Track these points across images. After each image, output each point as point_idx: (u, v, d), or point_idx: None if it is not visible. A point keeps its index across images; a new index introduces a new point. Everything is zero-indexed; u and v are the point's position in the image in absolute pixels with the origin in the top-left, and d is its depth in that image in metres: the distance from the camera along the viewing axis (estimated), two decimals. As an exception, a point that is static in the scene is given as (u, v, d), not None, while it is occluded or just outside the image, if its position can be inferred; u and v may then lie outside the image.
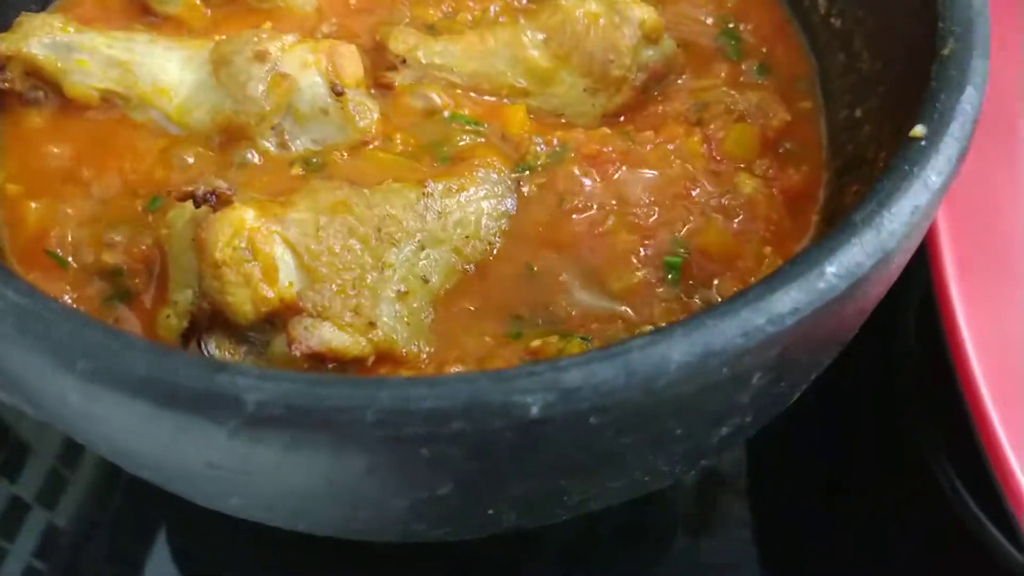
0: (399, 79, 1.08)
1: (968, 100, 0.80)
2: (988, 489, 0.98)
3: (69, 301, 0.91)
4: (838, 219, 0.96)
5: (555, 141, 1.03)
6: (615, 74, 1.06)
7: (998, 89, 1.16)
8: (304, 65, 1.00)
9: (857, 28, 1.09)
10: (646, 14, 1.08)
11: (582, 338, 0.86)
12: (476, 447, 0.61)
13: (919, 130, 0.78)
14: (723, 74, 1.14)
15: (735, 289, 0.91)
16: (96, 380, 0.60)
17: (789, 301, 0.65)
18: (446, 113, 1.07)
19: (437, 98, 1.07)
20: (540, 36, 1.08)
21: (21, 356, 0.62)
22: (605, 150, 1.02)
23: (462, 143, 1.04)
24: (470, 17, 1.17)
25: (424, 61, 1.09)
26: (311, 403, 0.59)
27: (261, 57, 0.99)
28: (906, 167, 0.75)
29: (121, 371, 0.60)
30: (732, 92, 1.10)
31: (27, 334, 0.62)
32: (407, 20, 1.14)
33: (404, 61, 1.09)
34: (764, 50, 1.16)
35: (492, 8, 1.18)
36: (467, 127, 1.05)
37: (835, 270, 0.68)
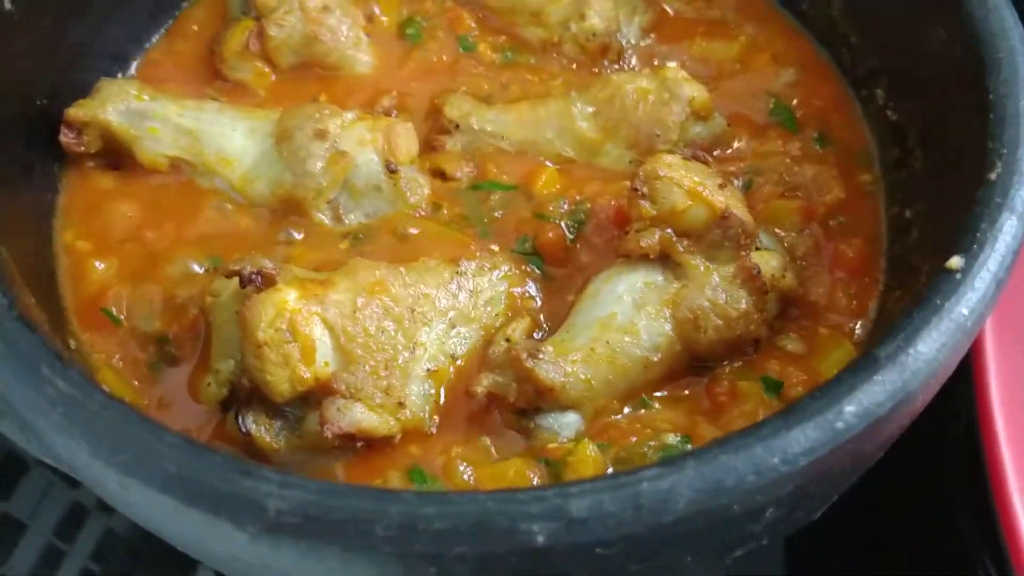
0: (450, 143, 1.12)
1: (1009, 231, 0.79)
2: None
3: (118, 360, 0.96)
4: (883, 323, 0.97)
5: (578, 197, 1.06)
6: (660, 148, 1.07)
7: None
8: (361, 143, 1.03)
9: (912, 125, 1.08)
10: (696, 91, 1.09)
11: (598, 444, 0.87)
12: (480, 569, 0.62)
13: (955, 262, 0.77)
14: (781, 143, 1.14)
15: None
16: (129, 473, 0.64)
17: (804, 440, 0.66)
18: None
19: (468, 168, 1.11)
20: (590, 109, 1.11)
21: (66, 442, 0.66)
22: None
23: (497, 213, 1.07)
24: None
25: (476, 127, 1.12)
26: (324, 513, 0.61)
27: (321, 135, 1.02)
28: (937, 301, 0.74)
29: (152, 467, 0.63)
30: (788, 161, 1.11)
31: (72, 424, 0.66)
32: (464, 88, 1.17)
33: (457, 126, 1.12)
34: (821, 123, 1.16)
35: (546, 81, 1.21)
36: (498, 192, 1.08)
37: (854, 409, 0.68)
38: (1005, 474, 0.96)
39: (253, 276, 0.87)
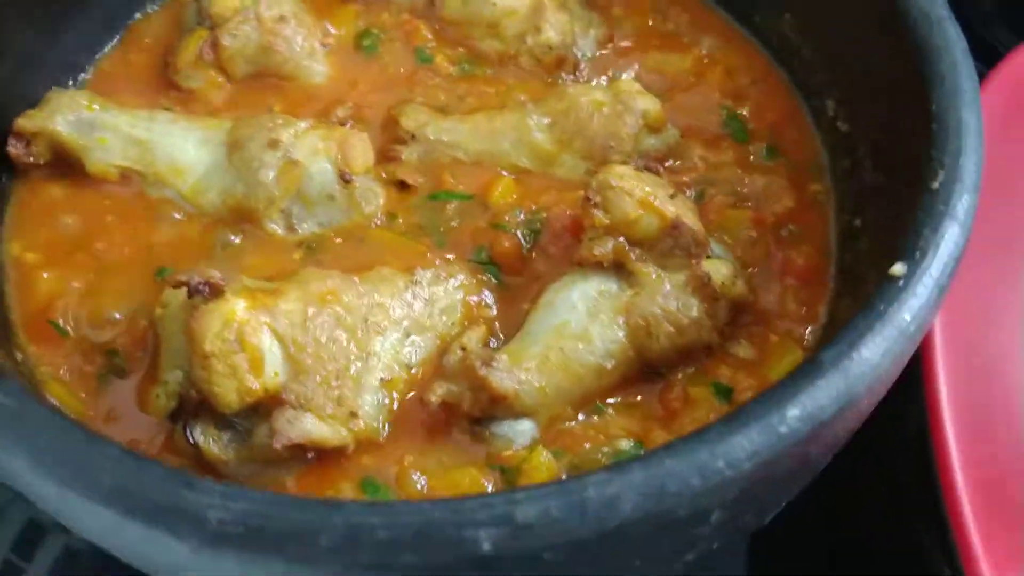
0: (406, 153, 1.12)
1: (951, 238, 0.80)
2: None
3: (65, 372, 0.95)
4: (832, 329, 0.98)
5: (533, 207, 1.06)
6: (614, 159, 1.08)
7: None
8: (315, 152, 1.03)
9: (862, 137, 1.10)
10: (649, 104, 1.11)
11: (552, 451, 0.87)
12: (427, 577, 0.62)
13: (898, 268, 0.78)
14: (733, 154, 1.15)
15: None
16: (70, 486, 0.62)
17: (748, 444, 0.66)
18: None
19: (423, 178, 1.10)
20: (545, 120, 1.11)
21: (6, 457, 0.65)
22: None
23: (453, 223, 1.07)
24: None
25: (432, 138, 1.12)
26: (267, 524, 0.61)
27: (273, 145, 1.02)
28: (881, 307, 0.75)
29: (91, 479, 0.62)
30: (739, 171, 1.12)
31: (11, 437, 0.64)
32: (420, 100, 1.18)
33: (413, 136, 1.12)
34: (772, 135, 1.18)
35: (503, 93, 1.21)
36: (454, 201, 1.08)
37: (798, 413, 0.68)
38: (955, 478, 0.98)
39: (201, 286, 0.86)
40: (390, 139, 1.14)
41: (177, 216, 1.06)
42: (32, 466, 0.64)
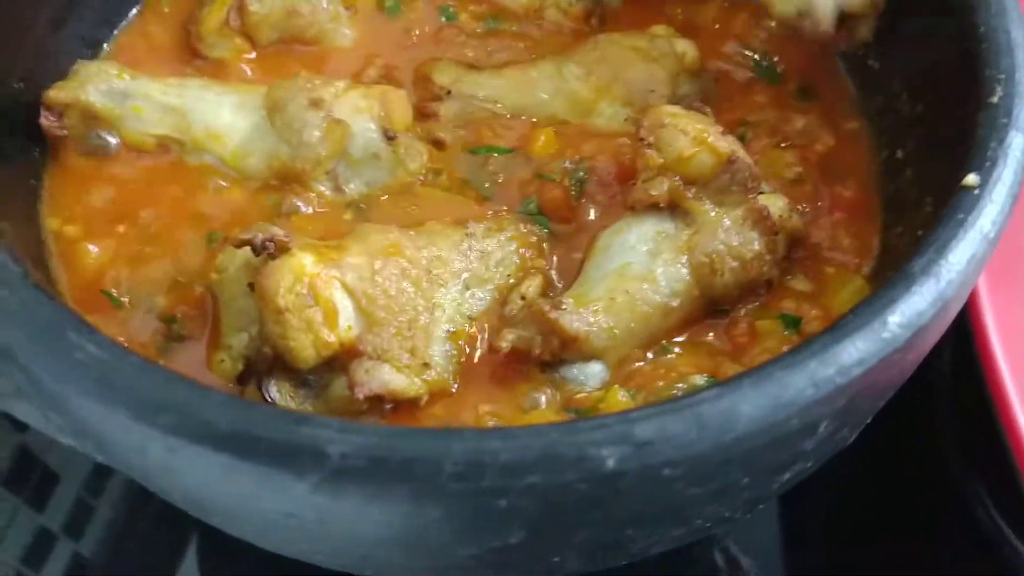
0: (443, 109, 1.11)
1: (1018, 147, 0.81)
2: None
3: (123, 341, 0.93)
4: (887, 258, 0.99)
5: (577, 157, 1.06)
6: (654, 104, 1.07)
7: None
8: (357, 111, 1.02)
9: (895, 71, 1.10)
10: (687, 47, 1.11)
11: (627, 391, 0.87)
12: (550, 499, 0.62)
13: (972, 179, 0.79)
14: (765, 98, 1.15)
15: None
16: (178, 434, 0.61)
17: (855, 352, 0.67)
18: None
19: (463, 132, 1.09)
20: (581, 70, 1.11)
21: (101, 410, 0.63)
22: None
23: (499, 177, 1.06)
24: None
25: (468, 92, 1.11)
26: (390, 455, 0.60)
27: (316, 104, 1.00)
28: (960, 215, 0.76)
29: (203, 425, 0.61)
30: (776, 112, 1.12)
31: (108, 388, 0.63)
32: (449, 57, 1.16)
33: (449, 92, 1.11)
34: (803, 76, 1.18)
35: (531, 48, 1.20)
36: (496, 155, 1.07)
37: (898, 320, 0.69)
38: (1003, 378, 0.99)
39: (266, 243, 0.85)
40: (425, 96, 1.12)
41: (221, 182, 1.04)
42: (134, 417, 0.62)
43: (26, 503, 1.21)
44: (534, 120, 1.11)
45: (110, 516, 1.23)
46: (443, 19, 1.21)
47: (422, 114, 1.11)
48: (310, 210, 1.02)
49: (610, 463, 0.60)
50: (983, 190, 0.78)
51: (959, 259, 0.73)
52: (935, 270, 0.72)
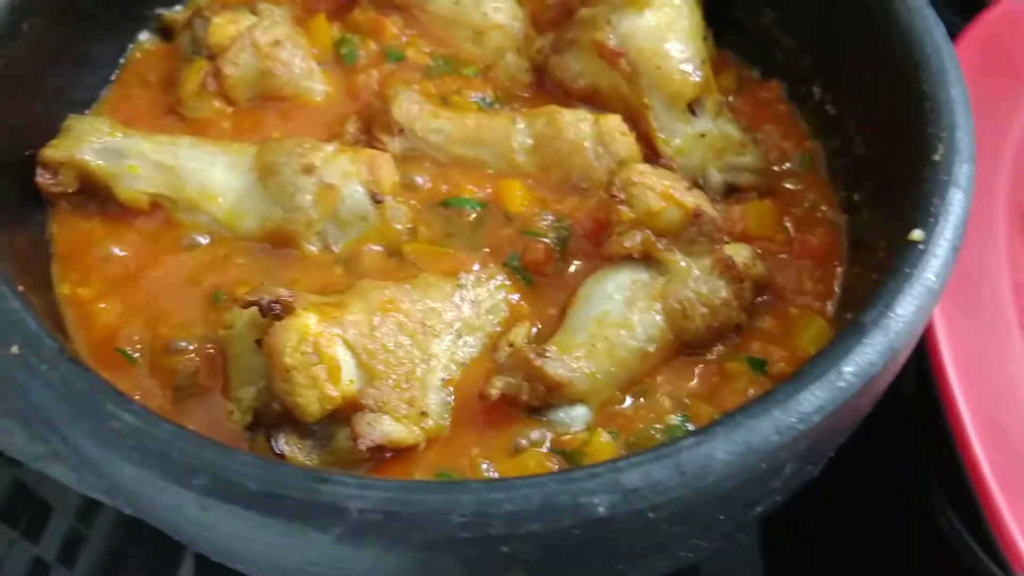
0: (391, 144, 1.15)
1: (958, 204, 0.90)
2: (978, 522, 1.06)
3: (138, 396, 0.98)
4: (847, 298, 1.06)
5: (557, 215, 1.12)
6: (587, 192, 1.14)
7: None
8: (346, 175, 1.08)
9: (850, 116, 1.19)
10: (626, 151, 1.14)
11: (609, 432, 0.94)
12: (548, 543, 0.69)
13: (917, 234, 0.88)
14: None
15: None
16: (211, 494, 0.67)
17: (815, 400, 0.75)
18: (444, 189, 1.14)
19: (420, 179, 1.15)
20: (529, 141, 1.16)
21: (138, 473, 0.70)
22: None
23: (476, 228, 1.12)
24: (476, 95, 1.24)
25: (419, 135, 1.16)
26: (404, 508, 0.67)
27: (308, 170, 1.06)
28: (907, 270, 0.85)
29: (234, 485, 0.67)
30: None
31: (145, 454, 0.69)
32: (416, 87, 1.20)
33: (402, 130, 1.16)
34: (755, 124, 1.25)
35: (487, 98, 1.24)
36: (469, 208, 1.13)
37: (852, 370, 0.77)
38: (962, 419, 1.07)
39: (272, 304, 0.91)
40: (377, 124, 1.15)
41: (203, 240, 1.09)
42: (170, 479, 0.68)
43: (21, 535, 1.26)
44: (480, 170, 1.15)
45: (102, 545, 1.28)
46: (392, 61, 1.25)
47: (371, 143, 1.15)
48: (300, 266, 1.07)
49: (601, 510, 0.68)
50: (927, 245, 0.86)
51: (906, 311, 0.81)
52: (884, 323, 0.80)
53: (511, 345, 1.02)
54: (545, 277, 1.09)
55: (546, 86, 1.27)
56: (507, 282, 1.08)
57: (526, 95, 1.26)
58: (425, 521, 0.66)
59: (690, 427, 0.97)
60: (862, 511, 1.32)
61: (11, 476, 1.30)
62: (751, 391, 0.98)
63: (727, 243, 1.05)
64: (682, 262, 1.03)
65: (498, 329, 1.05)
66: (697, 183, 1.14)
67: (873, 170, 1.12)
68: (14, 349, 0.76)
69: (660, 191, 1.04)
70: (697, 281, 1.02)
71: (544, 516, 0.67)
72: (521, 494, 0.67)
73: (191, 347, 1.00)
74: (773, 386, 0.92)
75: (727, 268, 1.03)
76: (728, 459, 0.71)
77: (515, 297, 1.08)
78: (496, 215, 1.14)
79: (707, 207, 1.04)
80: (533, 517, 0.67)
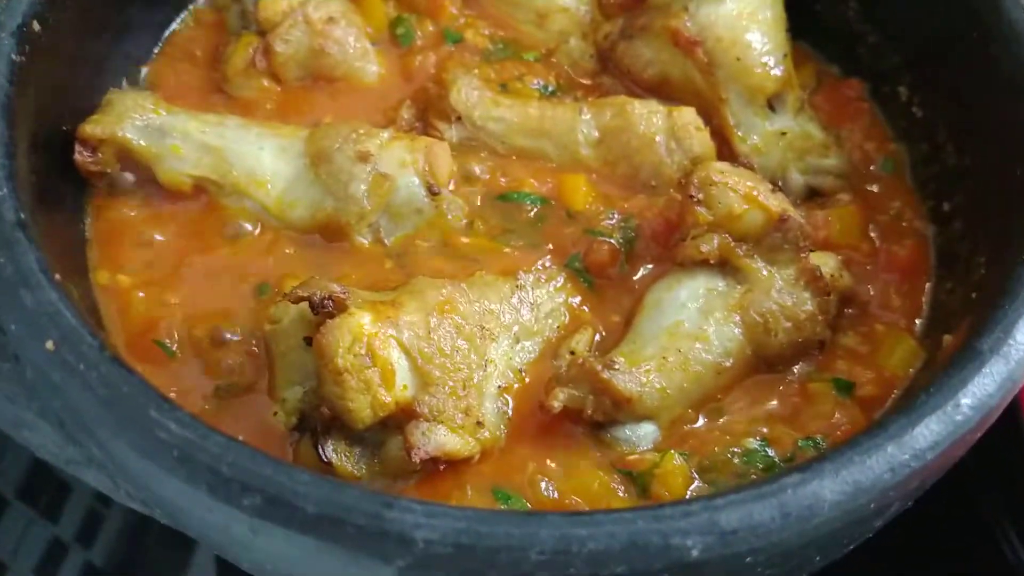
0: (448, 132, 1.09)
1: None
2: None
3: (175, 392, 0.92)
4: (937, 316, 0.98)
5: (624, 215, 1.05)
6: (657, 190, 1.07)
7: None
8: (402, 165, 1.01)
9: (941, 120, 1.11)
10: (702, 148, 1.07)
11: (680, 454, 0.87)
12: (636, 586, 0.62)
13: (1036, 255, 0.80)
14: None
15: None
16: (263, 516, 0.61)
17: (930, 435, 0.67)
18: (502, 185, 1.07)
19: (477, 170, 1.08)
20: (595, 134, 1.08)
21: (184, 489, 0.63)
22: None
23: (539, 227, 1.05)
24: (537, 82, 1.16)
25: (478, 124, 1.09)
26: (477, 541, 0.60)
27: (363, 158, 0.99)
28: (1024, 291, 0.77)
29: (290, 508, 0.61)
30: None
31: (192, 468, 0.63)
32: (476, 72, 1.12)
33: (459, 118, 1.09)
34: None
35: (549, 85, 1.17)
36: (530, 204, 1.06)
37: (970, 402, 0.70)
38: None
39: (325, 301, 0.85)
40: (434, 111, 1.09)
41: (249, 228, 1.02)
42: (218, 498, 0.62)
43: (40, 514, 1.23)
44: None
45: (120, 525, 1.26)
46: (450, 43, 1.19)
47: (427, 130, 1.08)
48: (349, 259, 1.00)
49: (695, 552, 0.61)
50: (1048, 264, 0.79)
51: (1026, 337, 0.74)
52: (1004, 350, 0.73)
53: (572, 353, 0.95)
54: (609, 280, 1.02)
55: (608, 74, 1.19)
56: (568, 284, 1.01)
57: (587, 82, 1.19)
58: (500, 558, 0.59)
59: (770, 452, 0.90)
60: (922, 537, 1.25)
61: (29, 456, 1.25)
62: (837, 415, 0.91)
63: (812, 251, 0.98)
64: (764, 271, 0.96)
65: (557, 334, 0.98)
66: (776, 185, 1.06)
67: (968, 179, 1.04)
68: (49, 345, 0.69)
69: (743, 192, 0.96)
70: (780, 292, 0.94)
71: (631, 557, 0.60)
72: (606, 531, 0.61)
73: (232, 342, 0.94)
74: (864, 413, 0.87)
75: (814, 279, 0.95)
76: (836, 500, 0.64)
77: (576, 300, 1.01)
78: (558, 212, 1.06)
79: (793, 211, 0.97)
80: (619, 558, 0.60)
